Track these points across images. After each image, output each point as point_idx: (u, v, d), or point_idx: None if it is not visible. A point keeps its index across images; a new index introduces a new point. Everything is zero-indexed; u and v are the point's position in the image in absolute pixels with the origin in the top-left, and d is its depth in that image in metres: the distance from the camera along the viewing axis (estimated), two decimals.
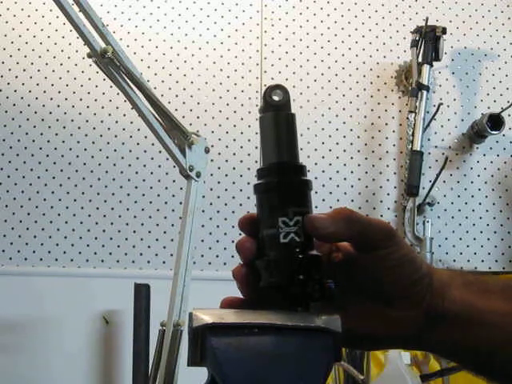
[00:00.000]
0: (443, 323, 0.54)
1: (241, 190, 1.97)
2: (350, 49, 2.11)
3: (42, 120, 1.97)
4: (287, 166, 0.53)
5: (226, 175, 1.98)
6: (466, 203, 2.04)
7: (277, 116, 0.54)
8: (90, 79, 1.99)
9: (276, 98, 0.54)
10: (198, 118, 2.00)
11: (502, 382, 0.58)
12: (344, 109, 2.06)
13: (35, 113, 1.97)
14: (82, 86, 1.99)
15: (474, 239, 2.02)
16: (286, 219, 0.51)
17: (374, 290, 0.54)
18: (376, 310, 0.54)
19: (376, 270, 0.53)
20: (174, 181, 1.94)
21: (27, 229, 1.90)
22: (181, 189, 1.87)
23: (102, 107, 1.98)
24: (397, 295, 0.53)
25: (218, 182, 1.97)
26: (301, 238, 0.52)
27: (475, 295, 0.55)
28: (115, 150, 1.96)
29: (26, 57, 2.01)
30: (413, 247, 1.89)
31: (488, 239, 2.02)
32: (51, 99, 1.98)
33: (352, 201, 2.00)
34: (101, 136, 1.97)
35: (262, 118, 0.55)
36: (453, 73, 2.13)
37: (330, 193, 1.99)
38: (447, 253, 2.00)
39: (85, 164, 1.95)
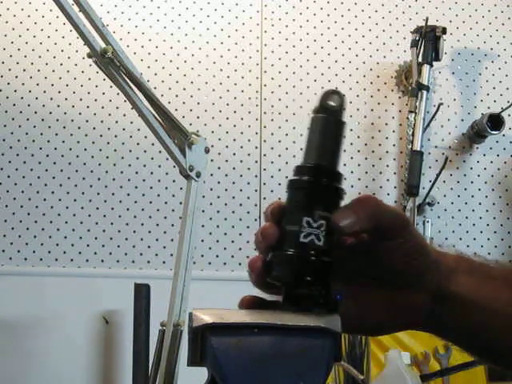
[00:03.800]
0: (449, 306, 0.55)
1: (241, 190, 1.97)
2: (349, 49, 2.11)
3: (42, 120, 1.97)
4: (325, 170, 0.53)
5: (226, 175, 1.98)
6: (466, 203, 2.04)
7: (328, 120, 0.54)
8: (89, 79, 1.99)
9: (331, 103, 0.55)
10: (197, 118, 2.00)
11: (502, 366, 0.59)
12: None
13: (35, 113, 1.97)
14: (82, 86, 1.99)
15: (474, 239, 2.02)
16: (311, 220, 0.51)
17: (385, 277, 0.55)
18: (384, 295, 0.55)
19: (390, 258, 0.53)
20: (174, 181, 1.94)
21: (27, 229, 1.90)
22: (181, 189, 1.87)
23: (102, 107, 1.98)
24: (407, 281, 0.54)
25: (218, 182, 1.97)
26: (320, 241, 0.51)
27: (480, 281, 0.56)
28: (115, 150, 1.96)
29: (25, 57, 2.01)
30: None
31: (488, 239, 2.02)
32: (51, 99, 1.98)
33: None
34: (101, 136, 1.97)
35: (314, 119, 0.55)
36: (453, 73, 2.13)
37: None
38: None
39: (85, 164, 1.95)
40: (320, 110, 0.55)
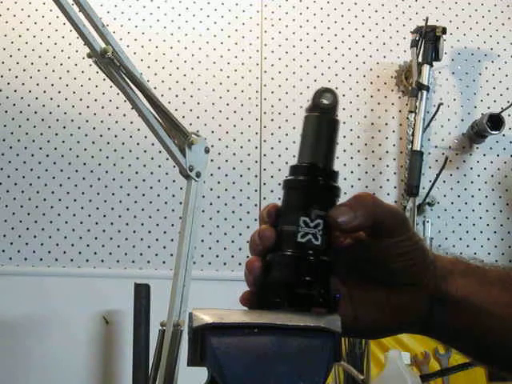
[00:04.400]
0: (446, 309, 0.54)
1: (241, 190, 1.97)
2: (349, 49, 2.11)
3: (42, 120, 1.97)
4: (320, 169, 0.53)
5: (226, 175, 1.98)
6: (466, 203, 2.04)
7: (321, 118, 0.54)
8: (90, 79, 1.99)
9: (324, 101, 0.54)
10: (197, 118, 2.00)
11: (501, 369, 0.58)
12: (344, 109, 2.06)
13: (35, 113, 1.97)
14: (81, 86, 1.99)
15: (474, 239, 2.02)
16: (308, 219, 0.51)
17: (382, 276, 0.54)
18: (382, 296, 0.54)
19: (388, 256, 0.53)
20: (174, 181, 1.94)
21: (27, 229, 1.90)
22: (181, 189, 1.87)
23: (102, 107, 1.98)
24: (405, 281, 0.54)
25: (218, 182, 1.97)
26: (318, 241, 0.51)
27: (476, 284, 0.55)
28: (115, 150, 1.96)
29: (25, 57, 2.01)
30: None
31: (488, 239, 2.02)
32: (51, 99, 1.98)
33: None
34: (101, 136, 1.97)
35: (307, 118, 0.55)
36: (453, 73, 2.13)
37: None
38: (447, 253, 1.99)
39: (85, 164, 1.95)
40: (313, 108, 0.54)
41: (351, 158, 2.03)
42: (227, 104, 2.02)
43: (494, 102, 2.11)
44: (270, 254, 0.52)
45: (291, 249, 0.51)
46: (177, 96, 2.02)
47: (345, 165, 2.02)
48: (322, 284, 0.51)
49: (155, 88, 1.94)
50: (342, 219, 0.51)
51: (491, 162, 2.07)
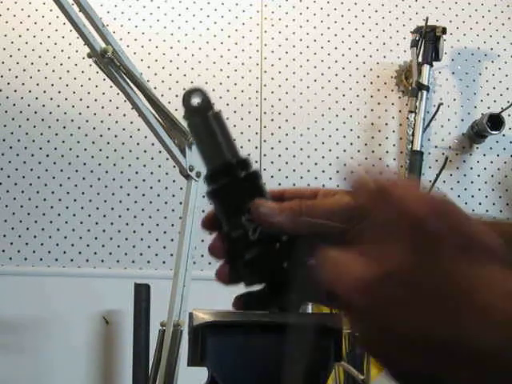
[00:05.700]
0: None
1: None
2: (349, 49, 2.11)
3: (42, 120, 1.97)
4: (233, 163, 0.52)
5: None
6: (466, 203, 2.04)
7: (204, 119, 0.53)
8: (90, 79, 1.99)
9: (196, 102, 0.53)
10: None
11: None
12: (344, 109, 2.06)
13: (35, 113, 1.97)
14: (82, 86, 1.99)
15: None
16: (249, 215, 0.51)
17: None
18: None
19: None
20: (174, 181, 1.94)
21: (27, 229, 1.90)
22: (181, 189, 1.87)
23: (102, 107, 1.98)
24: None
25: None
26: None
27: None
28: (115, 150, 1.96)
29: (25, 57, 2.01)
30: None
31: None
32: (51, 99, 1.98)
33: None
34: (101, 136, 1.97)
35: (190, 125, 0.54)
36: (453, 73, 2.13)
37: None
38: None
39: (85, 164, 1.95)
40: (191, 113, 0.53)
41: (351, 158, 2.03)
42: (227, 104, 2.02)
43: (494, 102, 2.11)
44: (236, 263, 0.51)
45: (252, 249, 0.50)
46: (177, 96, 2.01)
47: (345, 165, 2.02)
48: (297, 261, 0.51)
49: (155, 88, 1.94)
50: (263, 210, 0.49)
51: (491, 162, 2.07)
